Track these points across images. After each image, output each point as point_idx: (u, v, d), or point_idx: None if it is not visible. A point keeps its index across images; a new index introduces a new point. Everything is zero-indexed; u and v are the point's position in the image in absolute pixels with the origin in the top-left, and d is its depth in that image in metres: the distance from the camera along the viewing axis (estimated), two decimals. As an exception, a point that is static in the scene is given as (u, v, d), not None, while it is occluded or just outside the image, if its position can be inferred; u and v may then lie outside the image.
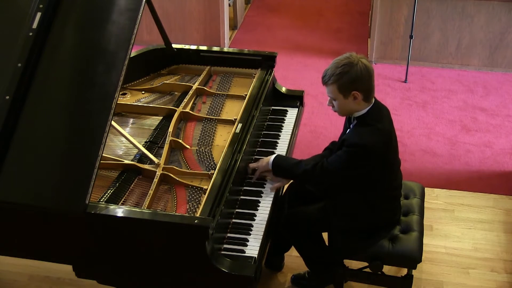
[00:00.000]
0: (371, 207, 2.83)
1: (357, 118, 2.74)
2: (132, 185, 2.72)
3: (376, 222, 2.87)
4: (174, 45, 3.52)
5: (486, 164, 4.23)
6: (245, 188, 2.90)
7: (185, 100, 3.22)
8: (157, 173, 2.72)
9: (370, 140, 2.65)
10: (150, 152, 2.88)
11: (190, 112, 3.16)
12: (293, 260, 3.35)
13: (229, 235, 2.65)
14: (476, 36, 5.24)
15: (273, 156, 2.89)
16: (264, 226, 2.71)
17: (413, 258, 2.83)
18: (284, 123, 3.36)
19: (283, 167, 2.87)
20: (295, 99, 3.53)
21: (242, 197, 2.86)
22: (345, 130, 2.88)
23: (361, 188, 2.79)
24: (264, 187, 2.91)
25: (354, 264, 3.05)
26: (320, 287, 3.20)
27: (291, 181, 3.03)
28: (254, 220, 2.73)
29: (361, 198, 2.80)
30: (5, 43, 2.64)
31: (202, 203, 2.54)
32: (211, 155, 2.90)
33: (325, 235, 3.05)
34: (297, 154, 4.16)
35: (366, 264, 2.92)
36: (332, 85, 2.66)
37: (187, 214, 2.54)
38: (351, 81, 2.62)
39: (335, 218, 2.87)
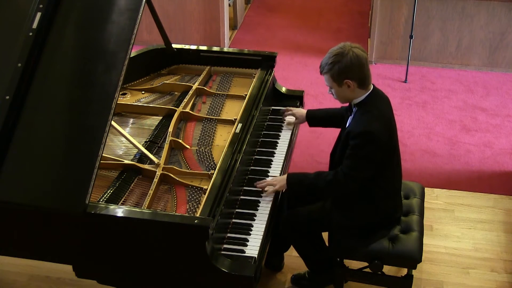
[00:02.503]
0: (372, 200, 2.83)
1: (356, 105, 2.77)
2: (132, 185, 2.72)
3: (378, 218, 2.87)
4: (174, 45, 3.52)
5: (486, 164, 4.23)
6: (245, 188, 2.90)
7: (185, 100, 3.22)
8: (157, 173, 2.72)
9: (373, 125, 2.68)
10: (150, 152, 2.88)
11: (190, 112, 3.16)
12: (293, 260, 3.35)
13: (229, 235, 2.65)
14: (476, 36, 5.24)
15: (285, 177, 2.85)
16: (264, 226, 2.71)
17: (413, 258, 2.83)
18: (284, 123, 3.36)
19: (303, 184, 2.84)
20: (295, 99, 3.53)
21: (242, 197, 2.86)
22: (347, 117, 2.89)
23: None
24: (263, 194, 2.90)
25: (354, 264, 3.04)
26: (320, 287, 3.20)
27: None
28: (254, 220, 2.73)
29: (362, 191, 2.80)
30: (5, 43, 2.64)
31: (202, 203, 2.54)
32: (211, 155, 2.90)
33: (325, 235, 3.06)
34: (297, 154, 4.17)
35: (366, 264, 2.92)
36: (326, 74, 2.74)
37: (187, 214, 2.54)
38: (342, 71, 2.69)
39: (336, 214, 2.87)
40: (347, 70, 2.68)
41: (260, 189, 2.87)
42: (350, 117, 2.84)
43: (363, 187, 2.78)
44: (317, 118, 3.25)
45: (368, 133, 2.66)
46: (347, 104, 2.91)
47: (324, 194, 2.92)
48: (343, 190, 2.79)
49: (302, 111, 3.29)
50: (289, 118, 3.32)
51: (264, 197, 2.86)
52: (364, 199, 2.82)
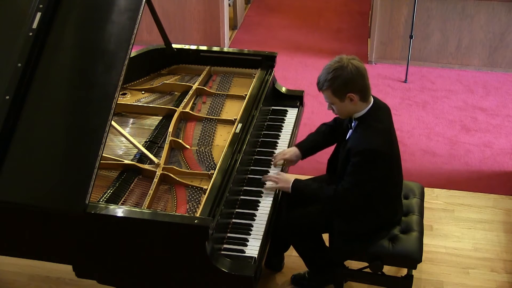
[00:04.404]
0: (374, 206, 2.82)
1: (357, 119, 2.74)
2: (132, 185, 2.72)
3: (378, 223, 2.87)
4: (174, 45, 3.52)
5: (486, 164, 4.23)
6: (245, 188, 2.90)
7: (185, 100, 3.22)
8: (157, 173, 2.72)
9: (376, 142, 2.65)
10: (150, 152, 2.88)
11: (190, 112, 3.16)
12: (293, 260, 3.35)
13: (229, 235, 2.65)
14: (476, 36, 5.24)
15: (291, 181, 2.84)
16: (264, 226, 2.71)
17: (413, 258, 2.83)
18: (284, 123, 3.36)
19: (305, 193, 2.85)
20: (295, 99, 3.53)
21: (242, 197, 2.86)
22: (345, 128, 2.88)
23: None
24: (264, 187, 2.91)
25: (354, 264, 3.04)
26: (320, 287, 3.20)
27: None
28: (254, 220, 2.73)
29: (364, 198, 2.79)
30: (5, 43, 2.64)
31: (202, 203, 2.54)
32: (211, 155, 2.90)
33: (325, 236, 3.05)
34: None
35: (366, 264, 2.92)
36: (327, 90, 2.67)
37: (187, 214, 2.54)
38: (344, 84, 2.63)
39: (337, 220, 2.86)
40: (348, 83, 2.62)
41: (263, 183, 2.89)
42: (350, 130, 2.79)
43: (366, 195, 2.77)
44: (310, 149, 3.07)
45: (370, 151, 2.63)
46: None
47: (324, 206, 2.90)
48: (344, 205, 2.78)
49: (291, 151, 3.04)
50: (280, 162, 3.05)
51: (265, 193, 2.86)
52: (365, 206, 2.80)
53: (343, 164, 2.77)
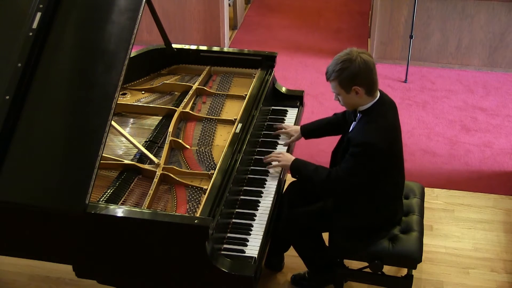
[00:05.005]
0: (374, 205, 2.82)
1: (361, 112, 2.75)
2: (132, 185, 2.72)
3: (378, 221, 2.87)
4: (174, 45, 3.52)
5: (486, 164, 4.23)
6: (245, 188, 2.90)
7: (185, 100, 3.22)
8: (157, 173, 2.72)
9: (375, 137, 2.66)
10: (150, 152, 2.88)
11: (190, 112, 3.16)
12: (293, 260, 3.35)
13: (229, 235, 2.65)
14: (476, 36, 5.24)
15: (292, 159, 2.91)
16: (264, 226, 2.71)
17: (413, 258, 2.83)
18: (284, 123, 3.36)
19: (302, 173, 2.88)
20: (295, 99, 3.53)
21: (242, 197, 2.86)
22: (350, 120, 2.89)
23: (365, 186, 2.78)
24: (264, 187, 2.91)
25: (354, 264, 3.05)
26: (320, 287, 3.20)
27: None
28: (254, 220, 2.73)
29: (364, 195, 2.80)
30: (5, 43, 2.64)
31: (202, 203, 2.54)
32: (211, 155, 2.90)
33: (325, 236, 3.06)
34: (296, 154, 4.16)
35: (366, 264, 2.92)
36: (334, 81, 2.70)
37: (187, 214, 2.54)
38: (351, 77, 2.65)
39: (337, 217, 2.87)
40: (355, 76, 2.64)
41: (267, 164, 2.97)
42: (354, 122, 2.82)
43: (364, 191, 2.78)
44: (312, 131, 3.21)
45: (368, 144, 2.65)
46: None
47: (315, 189, 2.92)
48: (334, 189, 2.81)
49: (296, 128, 3.24)
50: (284, 137, 3.25)
51: (271, 173, 2.95)
52: (366, 202, 2.82)
53: (343, 154, 2.79)
